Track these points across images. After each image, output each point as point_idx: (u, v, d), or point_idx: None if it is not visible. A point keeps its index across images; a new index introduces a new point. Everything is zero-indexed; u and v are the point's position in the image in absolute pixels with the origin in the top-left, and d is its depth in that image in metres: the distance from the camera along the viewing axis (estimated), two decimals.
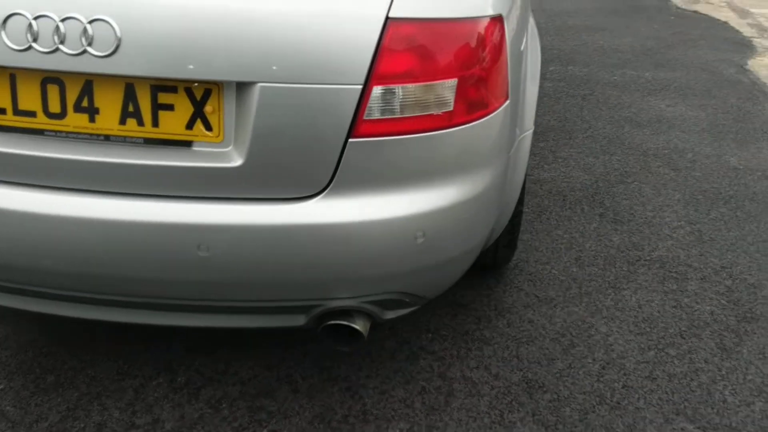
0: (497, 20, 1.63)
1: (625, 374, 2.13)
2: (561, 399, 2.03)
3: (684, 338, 2.29)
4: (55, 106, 1.50)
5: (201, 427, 1.90)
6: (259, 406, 1.97)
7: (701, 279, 2.59)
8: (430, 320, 2.31)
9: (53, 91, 1.49)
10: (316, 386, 2.04)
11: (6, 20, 1.42)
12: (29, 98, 1.51)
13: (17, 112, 1.52)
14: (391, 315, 1.77)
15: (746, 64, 5.02)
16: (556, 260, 2.65)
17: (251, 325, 1.75)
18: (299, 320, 1.72)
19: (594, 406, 2.01)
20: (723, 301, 2.47)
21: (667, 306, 2.43)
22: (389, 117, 1.50)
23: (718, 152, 3.60)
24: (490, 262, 2.40)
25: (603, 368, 2.15)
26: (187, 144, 1.52)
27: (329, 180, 1.53)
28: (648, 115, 4.02)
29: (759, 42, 5.59)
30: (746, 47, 5.45)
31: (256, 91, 1.44)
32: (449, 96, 1.54)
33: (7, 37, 1.42)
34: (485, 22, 1.59)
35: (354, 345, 1.77)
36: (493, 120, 1.66)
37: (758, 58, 5.18)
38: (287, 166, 1.51)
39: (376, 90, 1.47)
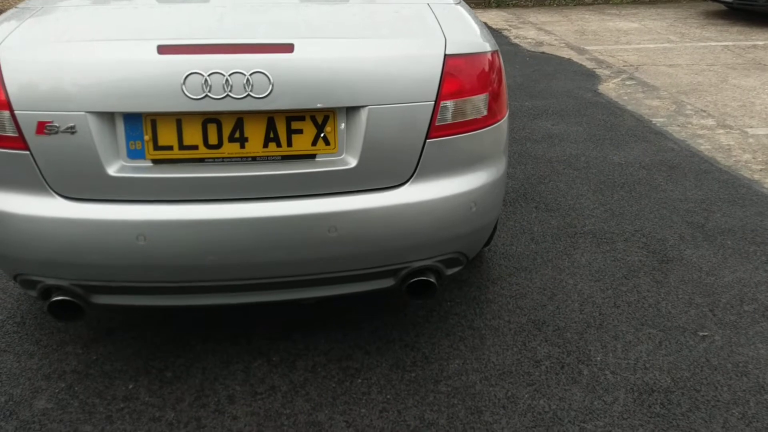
0: (497, 53, 2.36)
1: (597, 307, 2.87)
2: (560, 328, 2.73)
3: (628, 279, 3.08)
4: (213, 140, 2.04)
5: (310, 384, 2.42)
6: (346, 366, 2.52)
7: (624, 240, 3.41)
8: (444, 294, 2.95)
9: (212, 129, 2.03)
10: (381, 348, 2.62)
11: (186, 78, 1.95)
12: (192, 136, 2.03)
13: (182, 147, 2.04)
14: (450, 272, 2.40)
15: (598, 89, 6.12)
16: (517, 242, 3.39)
17: (356, 290, 2.30)
18: (389, 282, 2.31)
19: (585, 329, 2.73)
20: (645, 252, 3.30)
21: (608, 260, 3.22)
22: (449, 122, 2.16)
23: (602, 154, 4.54)
24: None
25: (581, 305, 2.88)
26: (312, 156, 2.10)
27: (413, 170, 2.15)
28: (540, 134, 4.93)
29: (600, 72, 6.77)
30: (592, 76, 6.59)
31: (365, 112, 2.06)
32: (483, 105, 2.23)
33: (187, 90, 1.96)
34: (494, 54, 2.30)
35: (427, 297, 2.37)
36: (504, 123, 2.37)
37: (605, 84, 6.32)
38: (386, 163, 2.12)
39: (442, 104, 2.13)
